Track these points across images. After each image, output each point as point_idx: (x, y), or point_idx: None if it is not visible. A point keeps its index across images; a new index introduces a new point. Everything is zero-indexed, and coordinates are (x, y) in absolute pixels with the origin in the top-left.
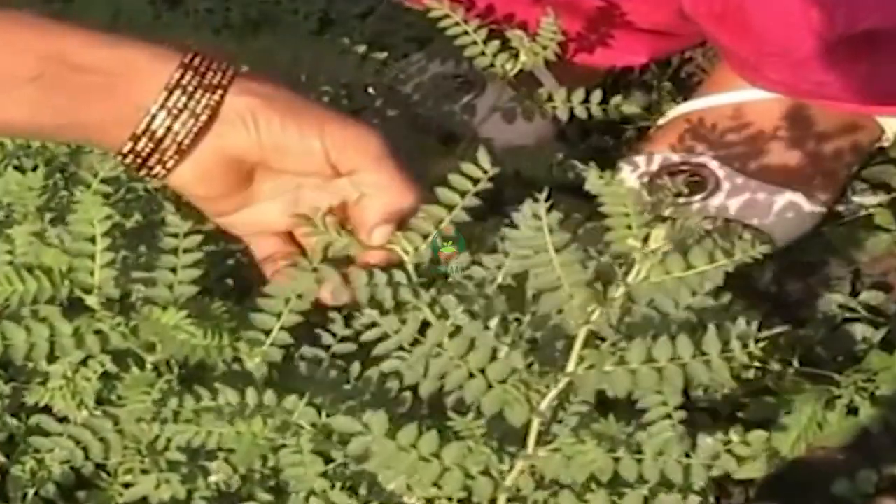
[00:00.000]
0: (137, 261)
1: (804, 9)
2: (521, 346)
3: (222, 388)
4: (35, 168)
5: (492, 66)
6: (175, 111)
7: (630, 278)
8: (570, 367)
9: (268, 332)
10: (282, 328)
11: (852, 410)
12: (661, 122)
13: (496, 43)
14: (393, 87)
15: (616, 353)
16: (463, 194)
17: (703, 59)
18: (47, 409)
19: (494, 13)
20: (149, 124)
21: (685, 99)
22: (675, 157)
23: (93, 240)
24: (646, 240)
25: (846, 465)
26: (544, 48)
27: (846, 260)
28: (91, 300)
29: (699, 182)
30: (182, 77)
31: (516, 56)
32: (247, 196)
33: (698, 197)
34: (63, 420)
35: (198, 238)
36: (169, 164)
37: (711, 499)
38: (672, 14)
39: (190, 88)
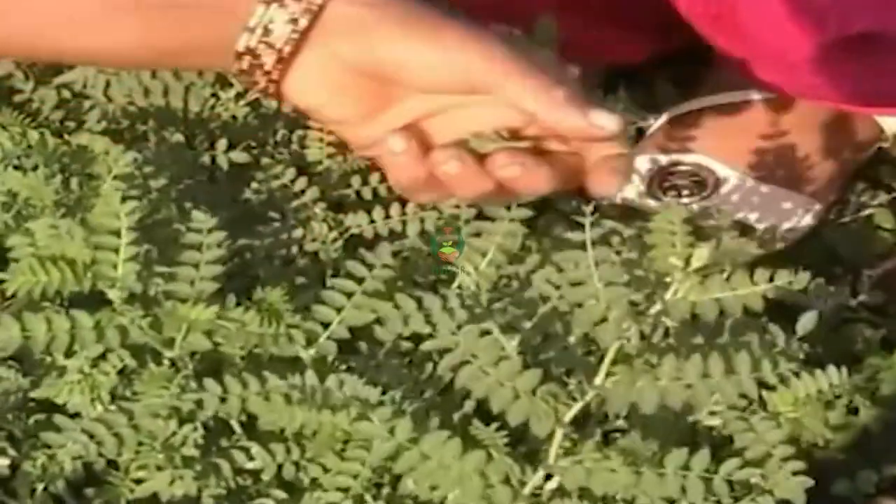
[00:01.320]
0: (148, 256)
1: (796, 12)
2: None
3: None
4: (35, 168)
5: None
6: (268, 19)
7: (668, 296)
8: (599, 381)
9: (326, 325)
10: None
11: (853, 410)
12: (660, 121)
13: None
14: None
15: (648, 369)
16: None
17: (703, 60)
18: (56, 406)
19: (493, 13)
20: (246, 42)
21: (685, 99)
22: (676, 157)
23: (117, 233)
24: (688, 259)
25: (846, 465)
26: (543, 47)
27: (846, 260)
28: (113, 293)
29: (699, 182)
30: None
31: None
32: (388, 119)
33: (699, 197)
34: (74, 416)
35: (221, 234)
36: (274, 76)
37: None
38: (670, 13)
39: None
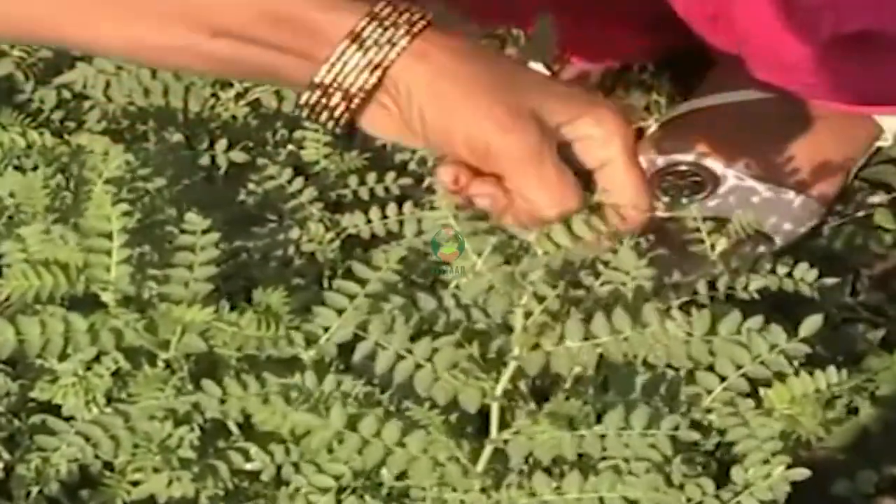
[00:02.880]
0: (142, 258)
1: (788, 13)
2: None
3: (306, 374)
4: (35, 168)
5: None
6: (349, 65)
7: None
8: (516, 351)
9: (327, 328)
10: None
11: (852, 410)
12: (660, 122)
13: (495, 43)
14: None
15: (555, 329)
16: None
17: (703, 60)
18: (51, 408)
19: (493, 13)
20: (322, 79)
21: (685, 99)
22: (675, 157)
23: (109, 236)
24: None
25: (846, 465)
26: (542, 47)
27: (846, 260)
28: (107, 296)
29: (699, 182)
30: (364, 29)
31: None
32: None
33: (698, 197)
34: (69, 419)
35: (215, 236)
36: (341, 121)
37: (711, 489)
38: (668, 12)
39: (370, 41)
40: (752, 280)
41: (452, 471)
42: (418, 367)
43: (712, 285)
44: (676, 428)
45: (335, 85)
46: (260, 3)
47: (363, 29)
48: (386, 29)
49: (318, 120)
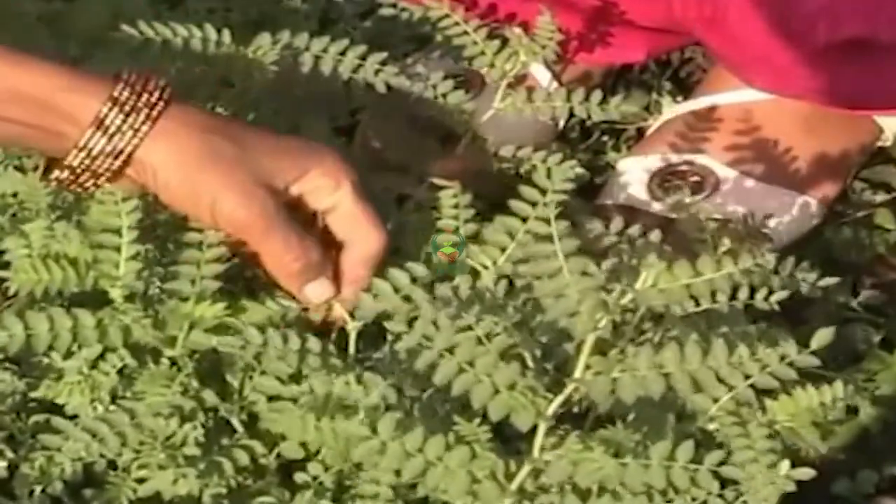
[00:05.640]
0: (148, 255)
1: (783, 19)
2: (529, 349)
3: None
4: (36, 168)
5: (491, 65)
6: (95, 150)
7: (637, 284)
8: (578, 374)
9: None
10: None
11: (852, 410)
12: (660, 121)
13: (495, 43)
14: (392, 87)
15: (624, 359)
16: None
17: (703, 59)
18: (55, 407)
19: (494, 12)
20: (70, 162)
21: (685, 99)
22: (675, 158)
23: (118, 232)
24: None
25: (846, 465)
26: (543, 47)
27: (846, 260)
28: (115, 292)
29: (699, 182)
30: (106, 116)
31: (515, 55)
32: None
33: (698, 197)
34: (73, 418)
35: (221, 233)
36: (89, 191)
37: (715, 488)
38: (668, 12)
39: (114, 127)
40: (774, 292)
41: (489, 488)
42: (479, 380)
43: (732, 295)
44: (722, 464)
45: (83, 167)
46: (4, 82)
47: (105, 116)
48: (127, 115)
49: (68, 189)
